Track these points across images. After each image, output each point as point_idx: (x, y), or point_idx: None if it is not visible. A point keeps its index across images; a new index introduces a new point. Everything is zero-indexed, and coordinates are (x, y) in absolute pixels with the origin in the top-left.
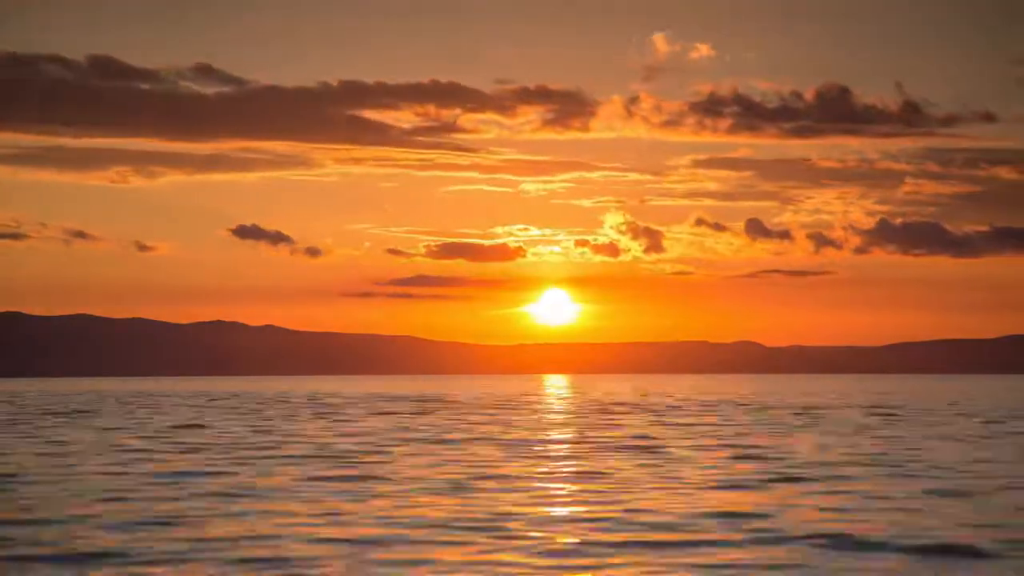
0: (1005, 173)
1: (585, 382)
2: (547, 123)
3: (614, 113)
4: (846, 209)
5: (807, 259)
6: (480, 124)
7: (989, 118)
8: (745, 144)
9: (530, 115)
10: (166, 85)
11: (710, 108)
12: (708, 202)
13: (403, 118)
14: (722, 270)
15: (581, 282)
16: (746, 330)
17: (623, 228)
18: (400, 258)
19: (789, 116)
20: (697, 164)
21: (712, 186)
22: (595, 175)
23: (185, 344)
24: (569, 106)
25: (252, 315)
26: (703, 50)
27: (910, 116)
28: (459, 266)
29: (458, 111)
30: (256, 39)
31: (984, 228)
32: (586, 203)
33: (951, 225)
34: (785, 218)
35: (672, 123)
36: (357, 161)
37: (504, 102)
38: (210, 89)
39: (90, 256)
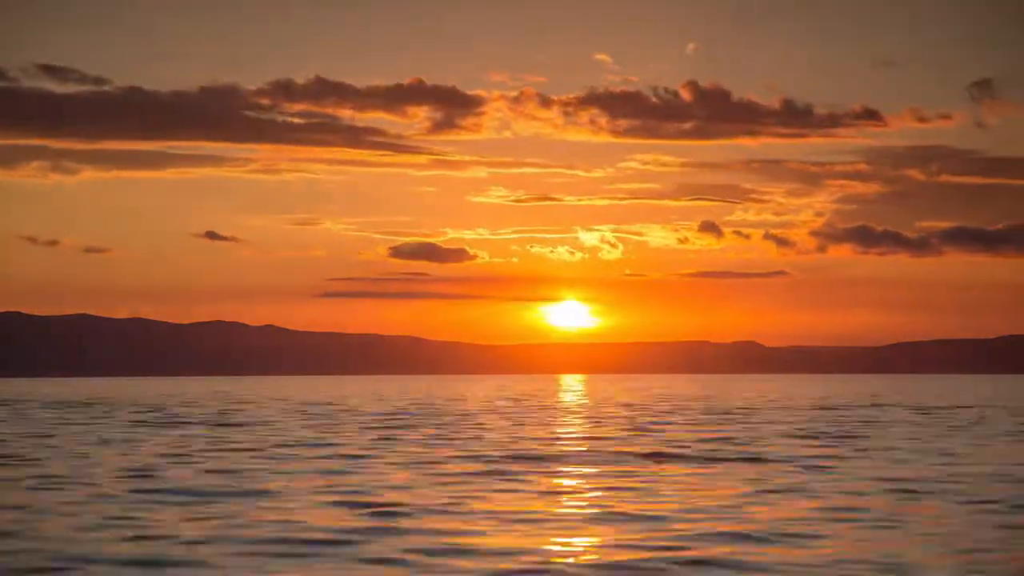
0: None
1: (605, 383)
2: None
3: (519, 112)
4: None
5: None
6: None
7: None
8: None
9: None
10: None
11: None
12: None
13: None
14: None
15: (564, 282)
16: (698, 329)
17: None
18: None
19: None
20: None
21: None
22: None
23: (185, 344)
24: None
25: (252, 315)
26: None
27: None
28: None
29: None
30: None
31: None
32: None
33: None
34: (735, 217)
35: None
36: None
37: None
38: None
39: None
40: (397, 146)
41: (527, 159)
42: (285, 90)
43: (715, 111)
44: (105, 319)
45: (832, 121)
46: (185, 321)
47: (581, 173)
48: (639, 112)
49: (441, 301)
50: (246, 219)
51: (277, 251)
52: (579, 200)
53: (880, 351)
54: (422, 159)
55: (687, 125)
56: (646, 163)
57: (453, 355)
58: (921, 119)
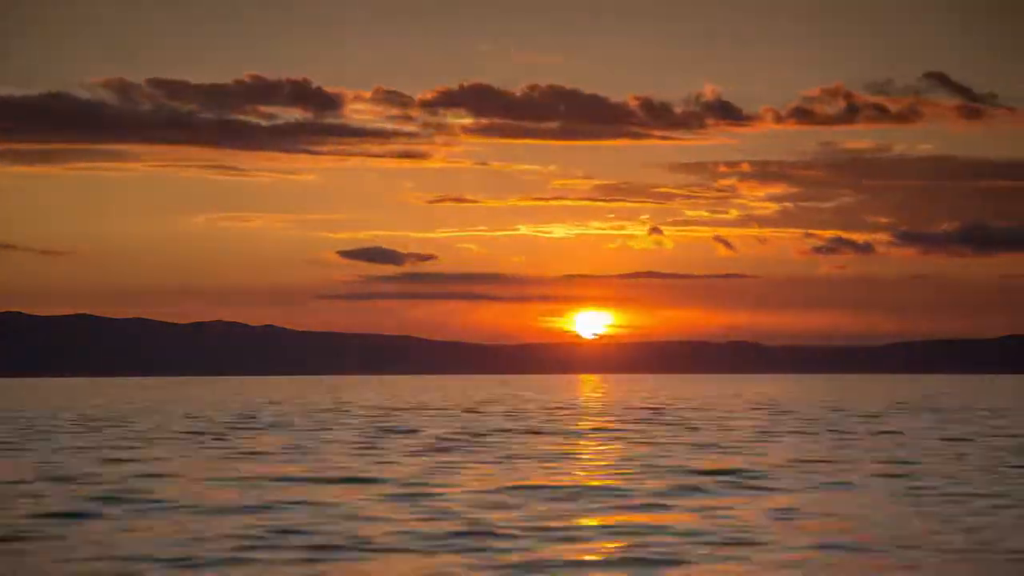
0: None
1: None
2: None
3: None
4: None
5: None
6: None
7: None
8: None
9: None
10: None
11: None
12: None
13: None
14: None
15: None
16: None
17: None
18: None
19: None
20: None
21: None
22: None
23: (185, 344)
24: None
25: (252, 315)
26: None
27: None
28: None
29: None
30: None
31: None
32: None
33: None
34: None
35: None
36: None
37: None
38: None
39: None
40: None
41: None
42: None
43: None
44: (105, 319)
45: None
46: (185, 321)
47: None
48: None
49: (442, 301)
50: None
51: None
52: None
53: (881, 351)
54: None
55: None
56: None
57: (453, 355)
58: None
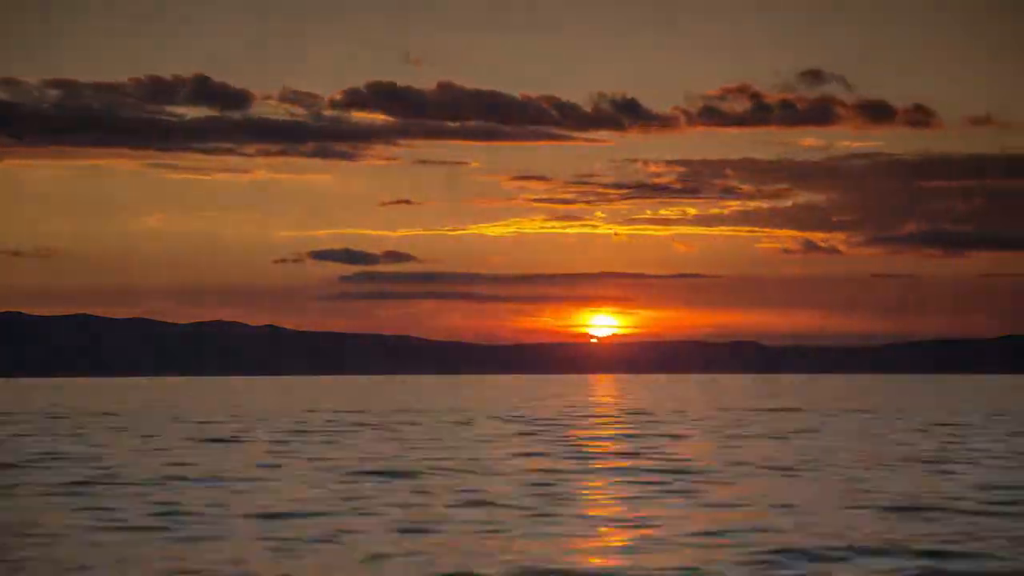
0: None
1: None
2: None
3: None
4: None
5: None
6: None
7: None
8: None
9: None
10: None
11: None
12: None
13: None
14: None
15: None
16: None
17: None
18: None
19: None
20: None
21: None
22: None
23: (185, 344)
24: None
25: (252, 315)
26: None
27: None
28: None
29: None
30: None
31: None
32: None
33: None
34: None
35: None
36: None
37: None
38: None
39: None
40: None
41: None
42: None
43: None
44: (105, 319)
45: None
46: (185, 321)
47: None
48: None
49: (441, 301)
50: None
51: None
52: None
53: (880, 351)
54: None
55: None
56: None
57: (453, 355)
58: None
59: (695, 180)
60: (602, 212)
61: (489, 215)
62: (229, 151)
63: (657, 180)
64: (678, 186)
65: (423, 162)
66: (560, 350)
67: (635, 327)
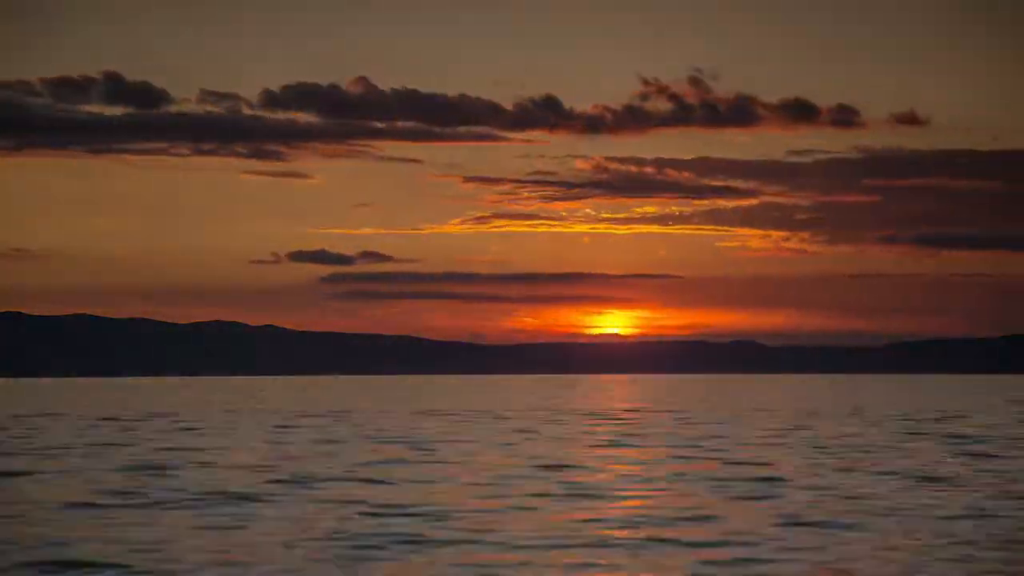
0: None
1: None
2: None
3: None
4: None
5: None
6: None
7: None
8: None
9: None
10: None
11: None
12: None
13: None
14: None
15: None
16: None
17: None
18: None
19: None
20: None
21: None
22: None
23: (185, 344)
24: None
25: (252, 315)
26: None
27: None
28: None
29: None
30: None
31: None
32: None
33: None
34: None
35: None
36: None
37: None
38: None
39: None
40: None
41: None
42: None
43: None
44: (105, 319)
45: None
46: (185, 321)
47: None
48: None
49: (441, 301)
50: None
51: None
52: None
53: (879, 351)
54: None
55: None
56: None
57: (454, 355)
58: None
59: (634, 179)
60: (565, 211)
61: (449, 214)
62: (163, 150)
63: (602, 177)
64: (626, 184)
65: (374, 161)
66: (560, 349)
67: (633, 327)
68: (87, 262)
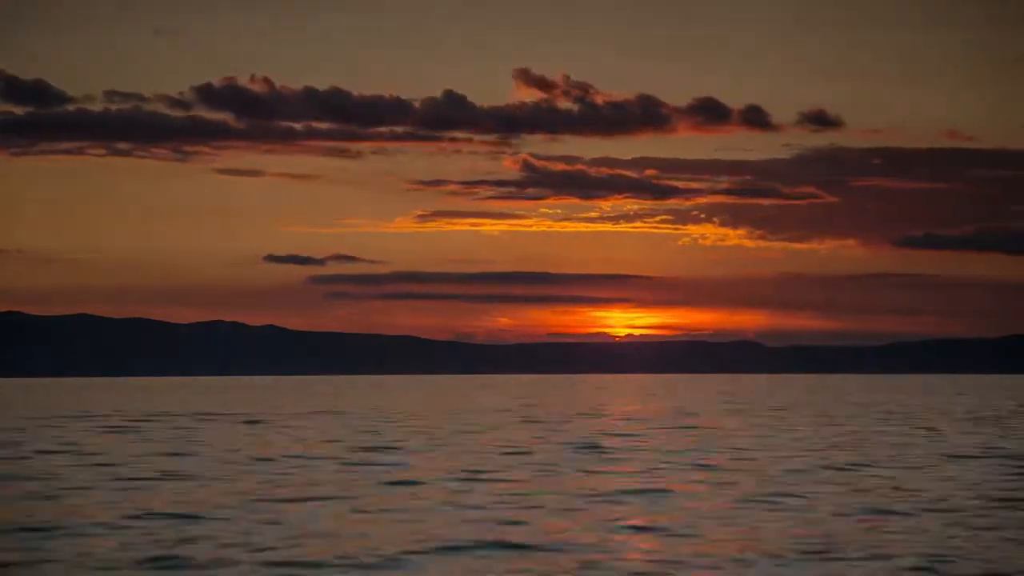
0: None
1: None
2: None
3: None
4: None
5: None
6: None
7: None
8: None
9: None
10: None
11: None
12: None
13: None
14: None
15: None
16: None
17: None
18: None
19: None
20: None
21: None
22: None
23: (185, 344)
24: None
25: (252, 315)
26: None
27: None
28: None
29: None
30: None
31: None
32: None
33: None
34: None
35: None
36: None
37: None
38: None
39: None
40: None
41: None
42: None
43: None
44: (105, 319)
45: None
46: (185, 321)
47: None
48: None
49: (440, 301)
50: None
51: None
52: None
53: (880, 351)
54: None
55: None
56: None
57: (453, 355)
58: None
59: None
60: (522, 210)
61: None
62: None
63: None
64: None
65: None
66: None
67: (636, 326)
68: None
